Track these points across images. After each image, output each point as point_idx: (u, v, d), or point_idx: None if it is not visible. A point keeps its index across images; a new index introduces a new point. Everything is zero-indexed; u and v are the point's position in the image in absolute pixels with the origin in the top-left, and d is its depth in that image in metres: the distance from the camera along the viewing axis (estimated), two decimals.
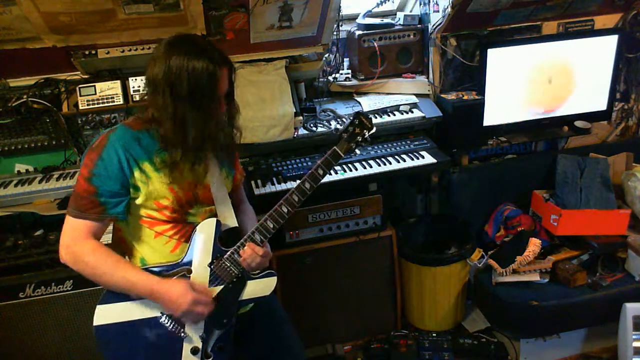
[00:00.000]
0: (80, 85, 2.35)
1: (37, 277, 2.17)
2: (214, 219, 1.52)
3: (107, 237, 1.59)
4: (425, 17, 2.79)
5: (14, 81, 2.34)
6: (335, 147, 1.61)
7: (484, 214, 2.85)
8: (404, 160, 2.54)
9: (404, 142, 2.68)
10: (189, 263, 1.48)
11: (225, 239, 1.55)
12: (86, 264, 1.39)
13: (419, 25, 2.80)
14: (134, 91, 2.39)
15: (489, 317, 2.66)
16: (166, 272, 1.47)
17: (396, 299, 2.73)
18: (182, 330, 1.45)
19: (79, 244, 1.40)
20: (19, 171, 2.39)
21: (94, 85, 2.36)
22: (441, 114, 2.69)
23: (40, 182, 2.25)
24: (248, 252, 1.50)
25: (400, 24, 2.83)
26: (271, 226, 1.53)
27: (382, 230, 2.59)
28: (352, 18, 2.87)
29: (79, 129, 2.40)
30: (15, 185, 2.23)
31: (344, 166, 2.49)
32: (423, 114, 2.69)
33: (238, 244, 1.51)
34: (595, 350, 2.61)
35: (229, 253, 1.51)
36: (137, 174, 1.43)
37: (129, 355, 1.46)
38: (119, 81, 2.38)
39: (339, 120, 2.61)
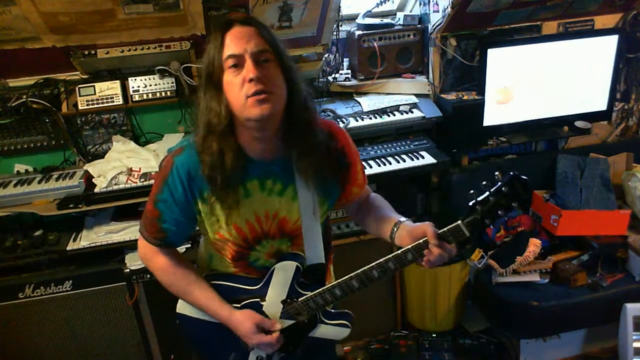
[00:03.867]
0: (80, 86, 2.36)
1: (36, 277, 2.17)
2: (294, 265, 1.36)
3: None
4: (425, 17, 2.79)
5: (14, 81, 2.34)
6: (459, 221, 1.25)
7: None
8: (404, 160, 2.54)
9: (404, 142, 2.68)
10: (264, 292, 1.38)
11: (308, 275, 1.41)
12: (160, 281, 1.39)
13: (419, 25, 2.79)
14: (133, 91, 2.39)
15: (489, 317, 2.66)
16: (239, 295, 1.39)
17: (396, 299, 2.72)
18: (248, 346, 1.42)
19: (148, 261, 1.39)
20: (18, 171, 2.39)
21: (94, 86, 2.36)
22: (441, 114, 2.69)
23: (39, 182, 2.25)
24: (436, 251, 1.26)
25: (400, 24, 2.82)
26: (356, 286, 1.38)
27: None
28: (352, 18, 2.86)
29: (79, 129, 2.41)
30: (15, 186, 2.22)
31: None
32: (423, 114, 2.69)
33: (314, 293, 1.37)
34: (595, 350, 2.61)
35: (303, 298, 1.37)
36: (200, 205, 1.28)
37: (206, 341, 1.47)
38: (118, 81, 2.38)
39: (338, 120, 2.60)
